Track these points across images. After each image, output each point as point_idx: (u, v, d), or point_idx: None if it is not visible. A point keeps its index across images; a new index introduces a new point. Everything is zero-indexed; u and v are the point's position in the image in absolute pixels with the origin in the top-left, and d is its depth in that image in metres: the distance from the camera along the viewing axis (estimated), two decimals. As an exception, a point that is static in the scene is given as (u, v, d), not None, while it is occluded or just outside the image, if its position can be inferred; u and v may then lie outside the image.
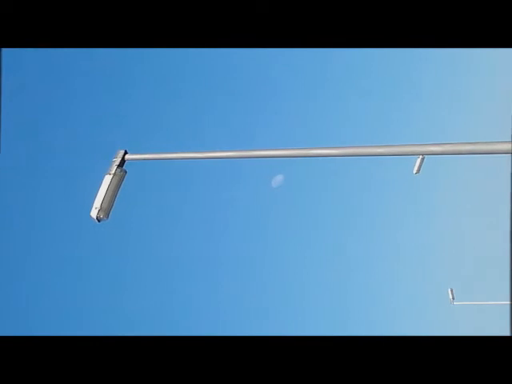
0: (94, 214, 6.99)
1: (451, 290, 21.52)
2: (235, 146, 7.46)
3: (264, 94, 36.03)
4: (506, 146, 6.21)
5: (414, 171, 6.44)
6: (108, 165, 8.00)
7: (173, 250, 35.55)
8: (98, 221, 7.04)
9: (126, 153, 8.05)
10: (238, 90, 35.25)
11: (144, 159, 8.12)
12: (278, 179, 31.50)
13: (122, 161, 7.84)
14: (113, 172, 7.49)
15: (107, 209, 7.01)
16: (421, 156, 6.68)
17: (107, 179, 7.36)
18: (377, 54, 27.62)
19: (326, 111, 34.87)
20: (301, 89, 35.42)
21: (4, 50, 4.78)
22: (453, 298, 21.41)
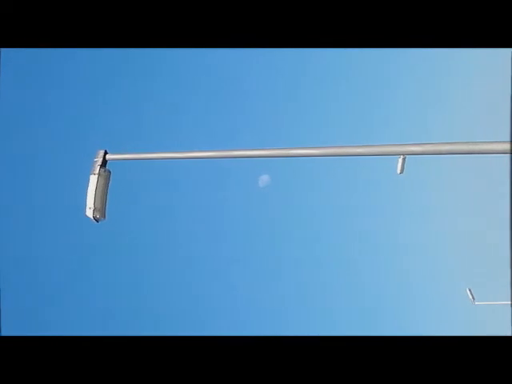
0: (89, 213, 6.99)
1: (469, 290, 21.55)
2: (217, 146, 7.53)
3: (244, 94, 36.03)
4: (486, 147, 6.38)
5: (398, 171, 6.58)
6: (88, 164, 7.99)
7: (160, 251, 35.23)
8: (97, 221, 7.05)
9: (106, 153, 8.04)
10: (219, 89, 35.18)
11: (125, 159, 8.11)
12: (265, 179, 31.41)
13: (104, 161, 7.84)
14: (97, 172, 7.49)
15: (102, 208, 7.02)
16: (402, 156, 6.81)
17: (93, 179, 7.36)
18: (356, 53, 27.75)
19: (306, 111, 34.97)
20: (280, 88, 35.52)
21: (4, 49, 4.77)
22: (473, 298, 21.48)
